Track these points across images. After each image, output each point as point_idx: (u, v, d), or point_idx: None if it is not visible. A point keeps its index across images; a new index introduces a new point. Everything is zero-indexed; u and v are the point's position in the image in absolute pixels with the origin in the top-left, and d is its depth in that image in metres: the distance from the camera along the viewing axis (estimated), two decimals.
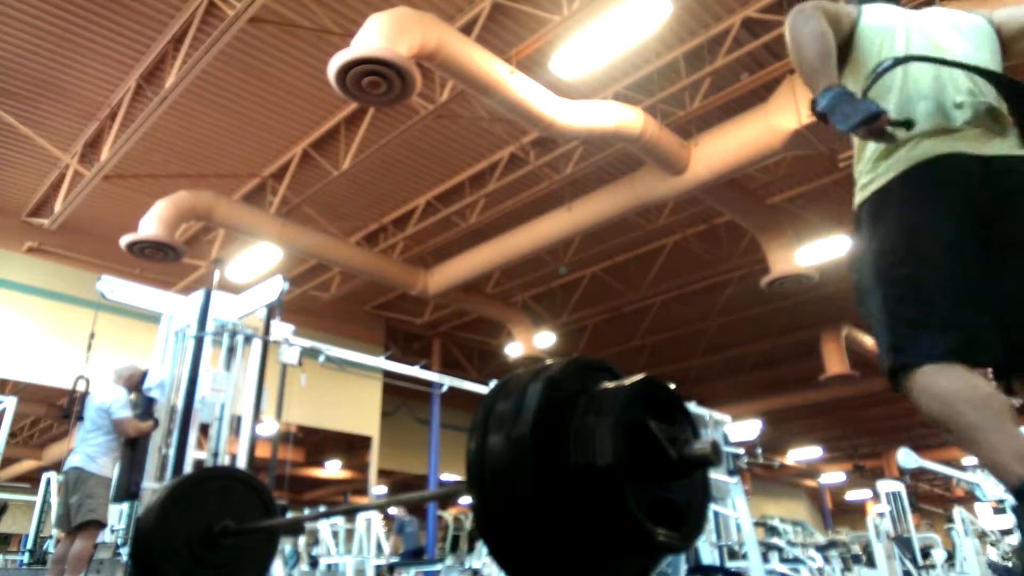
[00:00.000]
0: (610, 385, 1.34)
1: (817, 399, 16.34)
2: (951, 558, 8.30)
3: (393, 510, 11.28)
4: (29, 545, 7.95)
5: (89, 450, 4.78)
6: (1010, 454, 1.32)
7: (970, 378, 1.42)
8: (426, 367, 7.92)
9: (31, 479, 12.27)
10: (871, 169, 1.71)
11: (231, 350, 5.69)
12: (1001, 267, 1.52)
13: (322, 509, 10.70)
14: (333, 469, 16.74)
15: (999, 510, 8.90)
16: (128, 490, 4.97)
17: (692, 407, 5.86)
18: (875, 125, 1.53)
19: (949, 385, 1.42)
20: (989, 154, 1.59)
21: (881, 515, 8.31)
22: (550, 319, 13.02)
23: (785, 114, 6.56)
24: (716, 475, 6.50)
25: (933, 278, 1.52)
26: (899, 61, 1.65)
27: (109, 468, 4.82)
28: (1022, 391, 1.53)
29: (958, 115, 1.63)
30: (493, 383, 1.50)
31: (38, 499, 8.12)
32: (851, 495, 26.45)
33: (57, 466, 7.71)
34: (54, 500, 7.97)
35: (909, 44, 1.74)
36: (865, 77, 1.70)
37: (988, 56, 1.75)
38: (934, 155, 1.61)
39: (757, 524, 9.79)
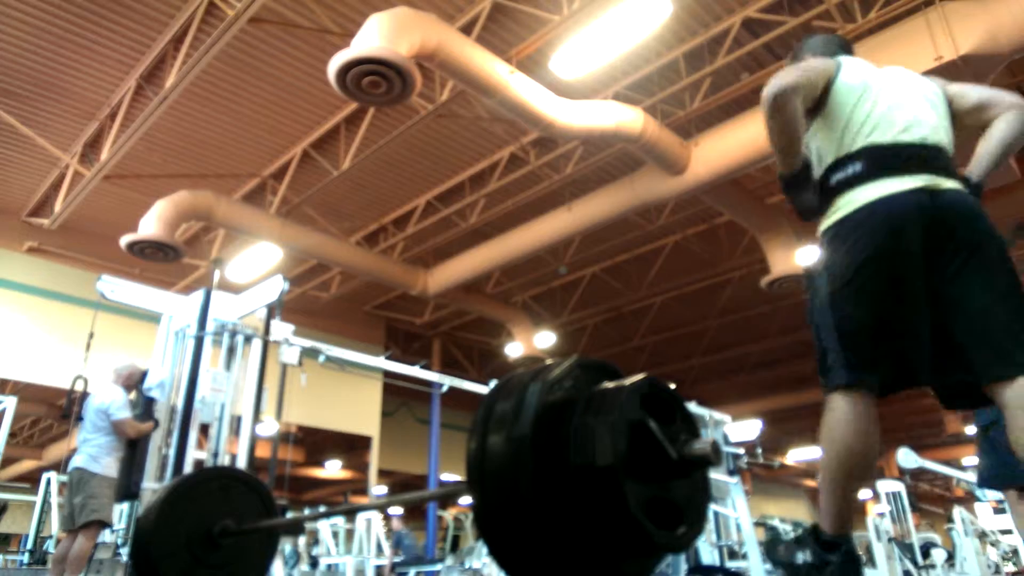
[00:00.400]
0: (610, 385, 1.34)
1: (817, 399, 16.22)
2: (951, 558, 8.30)
3: (394, 511, 11.28)
4: (29, 545, 7.94)
5: (91, 451, 4.78)
6: (835, 515, 1.72)
7: (855, 425, 1.71)
8: (426, 367, 7.93)
9: (31, 479, 12.26)
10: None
11: (231, 350, 5.70)
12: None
13: (322, 509, 10.70)
14: (333, 469, 16.74)
15: (999, 510, 8.90)
16: (128, 490, 4.97)
17: (692, 407, 5.85)
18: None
19: (835, 430, 1.74)
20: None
21: (881, 515, 8.31)
22: (550, 319, 13.03)
23: None
24: (716, 475, 6.50)
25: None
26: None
27: (113, 468, 4.82)
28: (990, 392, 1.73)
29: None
30: (493, 383, 1.50)
31: (38, 499, 8.12)
32: None
33: (57, 466, 7.72)
34: (54, 500, 7.98)
35: (875, 106, 1.93)
36: (837, 133, 1.94)
37: (944, 123, 1.98)
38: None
39: (757, 524, 9.79)
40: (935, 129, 1.92)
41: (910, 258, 1.74)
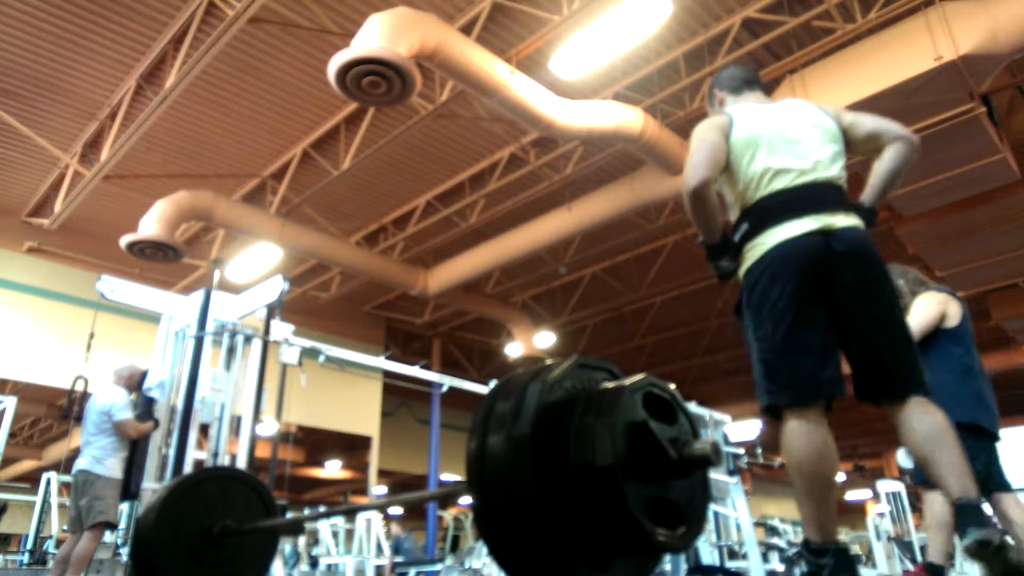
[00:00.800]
0: (610, 385, 1.34)
1: None
2: (951, 558, 8.29)
3: (394, 511, 11.28)
4: (29, 545, 7.94)
5: (95, 452, 4.78)
6: (813, 523, 1.93)
7: (805, 440, 1.91)
8: (426, 367, 7.92)
9: (31, 479, 12.26)
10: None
11: (231, 350, 5.69)
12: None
13: (322, 509, 10.70)
14: (333, 469, 16.73)
15: None
16: (128, 490, 4.98)
17: (692, 407, 5.86)
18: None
19: (789, 447, 1.93)
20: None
21: (881, 515, 8.31)
22: (550, 319, 13.02)
23: None
24: (716, 475, 6.49)
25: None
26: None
27: (117, 469, 4.83)
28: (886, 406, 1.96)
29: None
30: (493, 383, 1.50)
31: (38, 499, 8.11)
32: (851, 495, 26.45)
33: (57, 466, 7.72)
34: (54, 500, 7.97)
35: (768, 154, 2.10)
36: (739, 187, 2.14)
37: (838, 154, 2.15)
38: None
39: (757, 524, 9.78)
40: (828, 165, 2.10)
41: (812, 294, 1.95)
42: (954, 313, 3.50)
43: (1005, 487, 3.21)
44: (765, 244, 2.02)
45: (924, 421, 1.87)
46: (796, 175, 2.06)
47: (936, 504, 3.21)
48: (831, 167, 2.10)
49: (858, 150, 2.25)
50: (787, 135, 2.12)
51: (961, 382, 3.33)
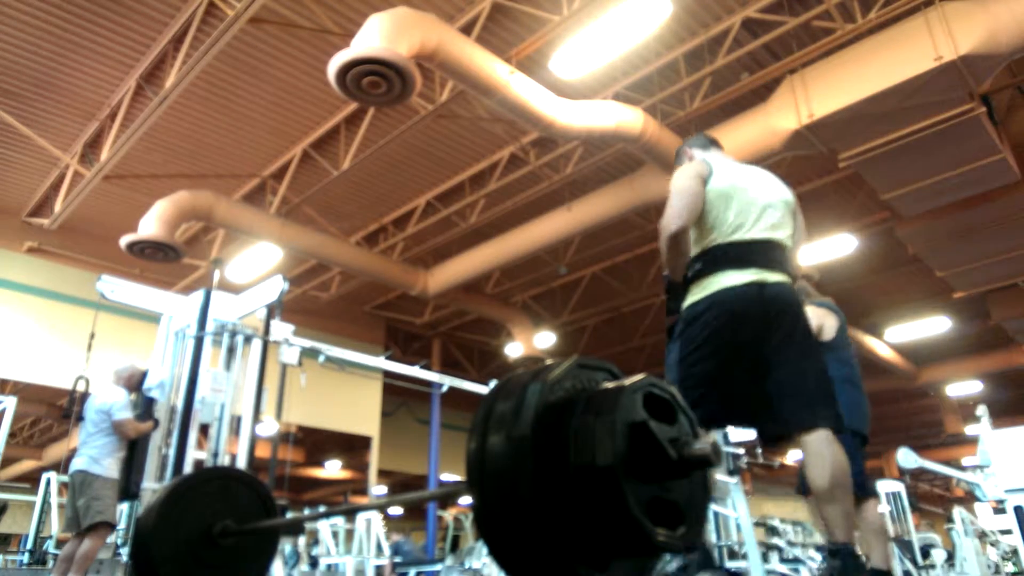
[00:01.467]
0: (610, 385, 1.34)
1: None
2: (951, 558, 8.30)
3: (394, 510, 11.28)
4: (29, 545, 7.94)
5: (93, 452, 4.78)
6: (826, 526, 2.14)
7: None
8: (426, 367, 7.93)
9: (31, 479, 12.26)
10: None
11: (231, 350, 5.70)
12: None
13: (322, 509, 10.69)
14: (333, 469, 16.74)
15: (999, 510, 8.90)
16: (128, 490, 4.98)
17: None
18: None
19: None
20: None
21: (881, 515, 8.30)
22: (550, 319, 13.02)
23: (785, 114, 6.56)
24: (716, 475, 6.49)
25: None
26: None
27: (114, 469, 4.82)
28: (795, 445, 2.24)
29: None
30: (493, 383, 1.50)
31: (38, 499, 8.11)
32: None
33: (57, 466, 7.71)
34: (54, 500, 7.97)
35: (739, 209, 2.40)
36: (703, 231, 2.42)
37: (786, 222, 2.48)
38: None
39: (757, 524, 9.78)
40: (778, 228, 2.43)
41: (743, 335, 2.25)
42: (830, 326, 3.83)
43: (871, 493, 3.60)
44: (711, 286, 2.33)
45: (833, 459, 2.14)
46: (753, 232, 2.38)
47: (869, 512, 3.43)
48: (780, 231, 2.43)
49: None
50: (756, 197, 2.44)
51: (841, 392, 3.60)
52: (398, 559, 9.57)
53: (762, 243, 2.37)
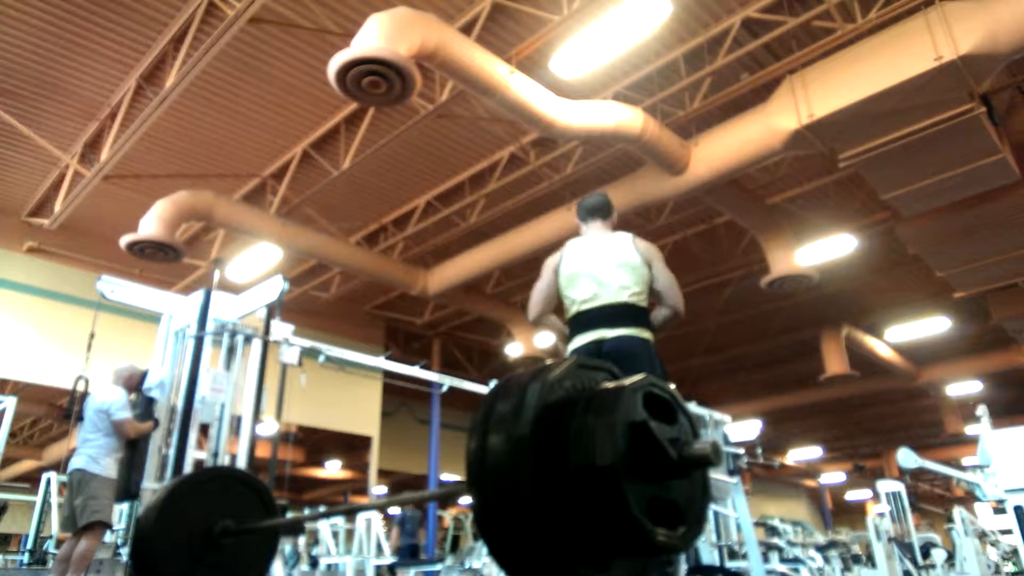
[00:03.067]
0: (610, 385, 1.34)
1: (817, 399, 16.34)
2: (951, 558, 8.30)
3: (394, 510, 11.28)
4: (29, 545, 7.94)
5: (91, 451, 4.77)
6: None
7: None
8: (426, 367, 7.93)
9: (31, 479, 12.26)
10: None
11: (231, 350, 5.69)
12: None
13: (322, 509, 10.69)
14: (333, 469, 16.73)
15: (999, 510, 8.90)
16: (128, 490, 4.97)
17: (692, 407, 5.85)
18: None
19: None
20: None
21: (881, 515, 8.31)
22: None
23: (785, 114, 6.55)
24: (716, 475, 6.49)
25: None
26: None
27: (112, 469, 4.81)
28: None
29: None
30: (493, 383, 1.50)
31: (38, 499, 8.11)
32: (851, 495, 26.45)
33: (57, 466, 7.71)
34: (54, 500, 7.96)
35: (579, 286, 3.11)
36: (565, 304, 3.20)
37: (629, 281, 3.04)
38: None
39: (757, 524, 9.78)
40: (617, 291, 3.00)
41: None
42: None
43: None
44: (571, 347, 3.05)
45: None
46: (591, 302, 3.03)
47: None
48: (621, 293, 2.99)
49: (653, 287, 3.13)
50: (593, 272, 3.08)
51: None
52: (394, 560, 9.56)
53: (602, 308, 3.00)
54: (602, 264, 3.09)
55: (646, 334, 2.96)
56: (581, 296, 3.07)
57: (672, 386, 1.41)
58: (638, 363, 2.79)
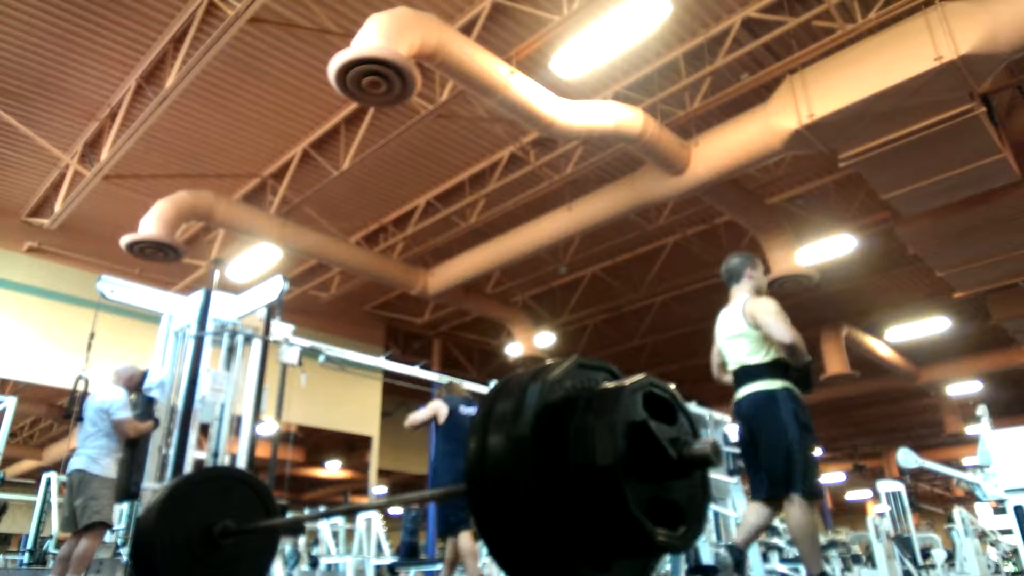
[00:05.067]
0: (610, 385, 1.34)
1: (817, 399, 16.34)
2: (951, 558, 8.30)
3: (394, 510, 11.28)
4: (29, 545, 7.94)
5: (91, 452, 4.77)
6: (814, 562, 3.17)
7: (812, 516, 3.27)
8: (426, 367, 7.93)
9: (31, 479, 12.25)
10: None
11: (231, 350, 5.70)
12: None
13: (322, 509, 10.69)
14: (333, 469, 16.75)
15: (999, 510, 8.90)
16: (128, 490, 4.97)
17: (692, 407, 5.85)
18: None
19: (814, 524, 3.27)
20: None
21: (881, 515, 8.31)
22: (550, 319, 13.02)
23: (785, 114, 6.55)
24: (716, 475, 6.49)
25: None
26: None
27: (112, 469, 4.81)
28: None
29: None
30: (493, 383, 1.50)
31: (38, 499, 8.11)
32: (851, 495, 26.44)
33: (57, 466, 7.71)
34: (54, 500, 7.97)
35: (721, 355, 3.67)
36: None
37: (745, 347, 3.49)
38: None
39: None
40: (740, 357, 3.47)
41: (743, 430, 3.47)
42: (443, 414, 5.29)
43: None
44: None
45: (793, 516, 3.19)
46: (730, 368, 3.57)
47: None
48: (741, 359, 3.46)
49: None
50: (722, 345, 3.62)
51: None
52: (394, 560, 9.56)
53: (735, 372, 3.51)
54: (724, 338, 3.59)
55: (774, 384, 3.34)
56: (725, 359, 3.63)
57: (672, 386, 1.41)
58: (760, 414, 3.34)
